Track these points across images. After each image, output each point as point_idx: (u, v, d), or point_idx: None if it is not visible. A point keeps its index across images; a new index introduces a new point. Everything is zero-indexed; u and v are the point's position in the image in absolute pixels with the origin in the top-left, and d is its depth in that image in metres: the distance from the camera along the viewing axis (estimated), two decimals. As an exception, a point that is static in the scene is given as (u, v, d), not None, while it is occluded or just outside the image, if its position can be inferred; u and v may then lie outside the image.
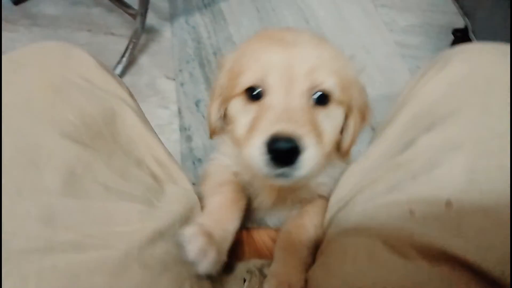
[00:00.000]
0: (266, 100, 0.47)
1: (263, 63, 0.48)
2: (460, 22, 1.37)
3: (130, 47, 1.40)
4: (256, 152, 0.43)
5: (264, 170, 0.44)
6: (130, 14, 1.42)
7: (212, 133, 0.58)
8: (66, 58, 0.50)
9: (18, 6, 1.60)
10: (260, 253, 0.57)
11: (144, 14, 1.38)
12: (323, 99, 0.49)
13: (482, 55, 0.47)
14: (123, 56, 1.40)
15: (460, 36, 1.37)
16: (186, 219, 0.47)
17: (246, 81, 0.49)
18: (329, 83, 0.48)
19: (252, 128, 0.47)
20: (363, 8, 1.71)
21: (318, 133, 0.47)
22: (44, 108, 0.43)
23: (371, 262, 0.39)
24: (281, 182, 0.46)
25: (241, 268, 0.51)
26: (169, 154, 0.53)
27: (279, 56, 0.47)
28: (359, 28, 1.65)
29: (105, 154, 0.45)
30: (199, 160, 1.27)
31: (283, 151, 0.42)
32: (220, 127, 0.57)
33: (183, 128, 1.34)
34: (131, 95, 0.55)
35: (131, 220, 0.41)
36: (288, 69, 0.47)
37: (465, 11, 1.24)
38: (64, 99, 0.45)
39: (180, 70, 1.48)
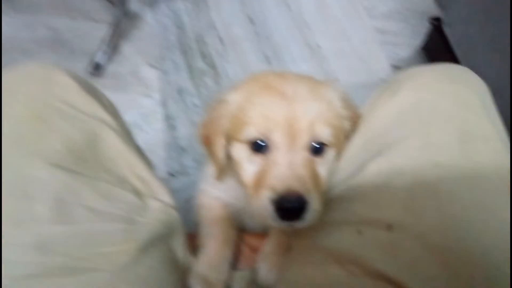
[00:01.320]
0: (271, 156, 0.52)
1: (267, 119, 0.52)
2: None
3: (111, 34, 1.41)
4: (265, 207, 0.48)
5: (272, 222, 0.49)
6: (109, 1, 1.41)
7: (221, 173, 0.60)
8: (49, 84, 0.53)
9: (-4, -9, 1.57)
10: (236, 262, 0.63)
11: (123, 1, 1.38)
12: (320, 148, 0.53)
13: (429, 83, 0.52)
14: (103, 43, 1.40)
15: (437, 25, 1.40)
16: (167, 235, 0.53)
17: (251, 135, 0.53)
18: (325, 134, 0.52)
19: (259, 180, 0.52)
20: (345, -7, 1.73)
21: (317, 181, 0.52)
22: (32, 140, 0.47)
23: (325, 278, 0.45)
24: (286, 228, 0.52)
25: None
26: (150, 170, 0.57)
27: (282, 113, 0.51)
28: (339, 14, 1.67)
29: (90, 177, 0.49)
30: (183, 149, 1.32)
31: (290, 210, 0.48)
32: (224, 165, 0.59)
33: (166, 117, 1.37)
34: (113, 113, 0.59)
35: (116, 241, 0.46)
36: (290, 126, 0.51)
37: (440, 3, 1.27)
38: (50, 127, 0.49)
39: (163, 58, 1.49)
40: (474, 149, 0.45)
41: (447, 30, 1.27)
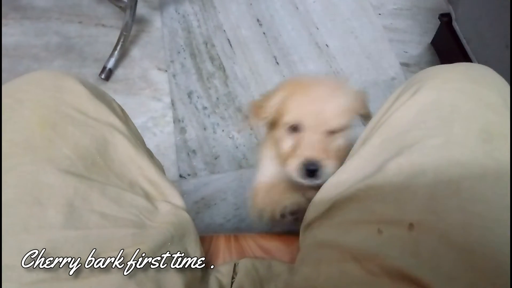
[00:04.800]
0: (302, 135, 0.74)
1: (302, 111, 0.75)
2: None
3: (121, 40, 1.42)
4: (295, 169, 0.72)
5: (299, 179, 0.73)
6: (119, 7, 1.43)
7: (245, 126, 0.93)
8: (59, 91, 0.53)
9: (7, -1, 1.61)
10: (245, 257, 0.63)
11: (133, 7, 1.40)
12: (335, 132, 0.75)
13: (450, 83, 0.51)
14: (114, 49, 1.42)
15: (446, 21, 1.38)
16: (179, 236, 0.53)
17: (290, 120, 0.75)
18: (338, 124, 0.74)
19: (292, 151, 0.74)
20: (352, -9, 1.72)
21: (331, 153, 0.74)
22: (43, 146, 0.47)
23: (342, 276, 0.45)
24: (310, 184, 0.74)
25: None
26: (160, 173, 0.58)
27: (311, 107, 0.74)
28: (347, 13, 1.66)
29: (101, 182, 0.50)
30: (194, 152, 1.32)
31: (311, 170, 0.71)
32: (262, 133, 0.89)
33: (176, 120, 1.38)
34: (123, 118, 0.59)
35: (125, 245, 0.46)
36: (316, 117, 0.74)
37: (449, -1, 1.25)
38: (60, 134, 0.49)
39: (172, 61, 1.50)
40: (496, 147, 0.45)
41: (456, 26, 1.26)
